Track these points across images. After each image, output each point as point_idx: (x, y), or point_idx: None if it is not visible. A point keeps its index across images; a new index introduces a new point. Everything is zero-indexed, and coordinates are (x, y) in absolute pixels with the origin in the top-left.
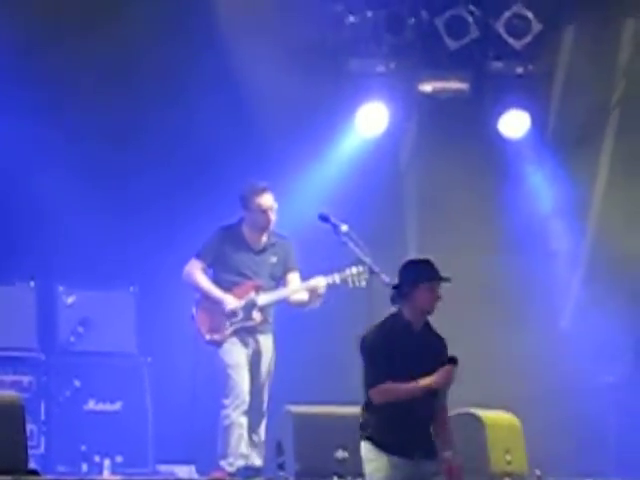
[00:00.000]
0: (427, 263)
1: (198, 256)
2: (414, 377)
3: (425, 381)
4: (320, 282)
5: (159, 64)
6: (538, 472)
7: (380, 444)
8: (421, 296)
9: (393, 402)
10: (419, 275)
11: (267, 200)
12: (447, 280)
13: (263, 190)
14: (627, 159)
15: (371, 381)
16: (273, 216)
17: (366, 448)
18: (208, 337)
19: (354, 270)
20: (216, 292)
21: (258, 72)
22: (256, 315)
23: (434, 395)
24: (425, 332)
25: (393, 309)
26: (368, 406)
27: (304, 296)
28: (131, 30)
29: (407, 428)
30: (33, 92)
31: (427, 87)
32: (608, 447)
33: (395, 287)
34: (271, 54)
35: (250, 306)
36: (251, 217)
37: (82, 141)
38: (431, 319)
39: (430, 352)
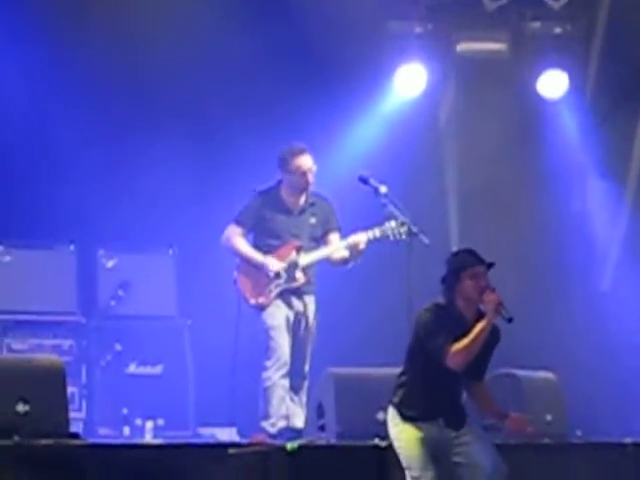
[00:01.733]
0: (467, 252)
1: (237, 221)
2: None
3: (483, 320)
4: (360, 237)
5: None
6: (579, 432)
7: (404, 414)
8: (465, 285)
9: (468, 362)
10: (460, 265)
11: (306, 161)
12: (490, 265)
13: (301, 151)
14: None
15: (441, 347)
16: (311, 178)
17: (392, 414)
18: (253, 301)
19: (393, 223)
20: (257, 256)
21: (296, 33)
22: (299, 275)
23: (472, 363)
24: (477, 321)
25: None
26: (405, 376)
27: (345, 253)
28: None
29: (437, 402)
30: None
31: (465, 48)
32: None
33: (443, 281)
34: (309, 16)
35: (293, 267)
36: (289, 179)
37: (119, 107)
38: None
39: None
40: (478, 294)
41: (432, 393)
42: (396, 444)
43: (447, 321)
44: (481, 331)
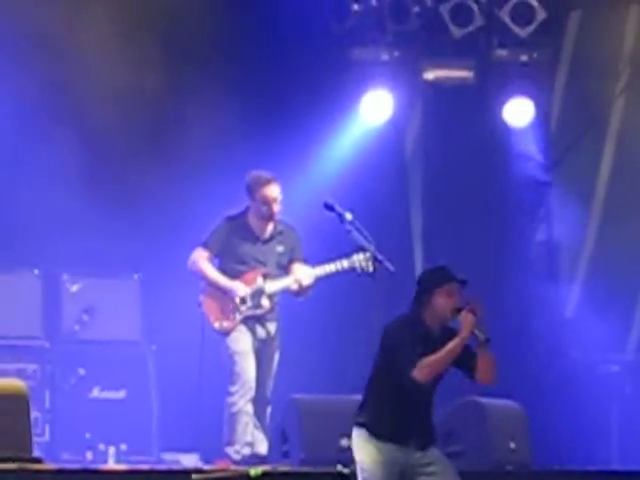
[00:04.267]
0: (441, 269)
1: (204, 245)
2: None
3: (457, 338)
4: (329, 268)
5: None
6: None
7: (373, 432)
8: (438, 302)
9: (433, 376)
10: (434, 281)
11: (272, 191)
12: (463, 282)
13: (268, 181)
14: (632, 146)
15: (406, 363)
16: (277, 207)
17: (356, 434)
18: (217, 325)
19: (361, 256)
20: (224, 280)
21: (263, 59)
22: (265, 302)
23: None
24: (443, 336)
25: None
26: (368, 393)
27: (310, 282)
28: None
29: (404, 418)
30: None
31: (431, 75)
32: (611, 436)
33: (416, 295)
34: (276, 42)
35: (259, 293)
36: (256, 207)
37: (86, 127)
38: None
39: None
40: (450, 312)
41: (399, 412)
42: (359, 466)
43: (414, 334)
44: (452, 350)
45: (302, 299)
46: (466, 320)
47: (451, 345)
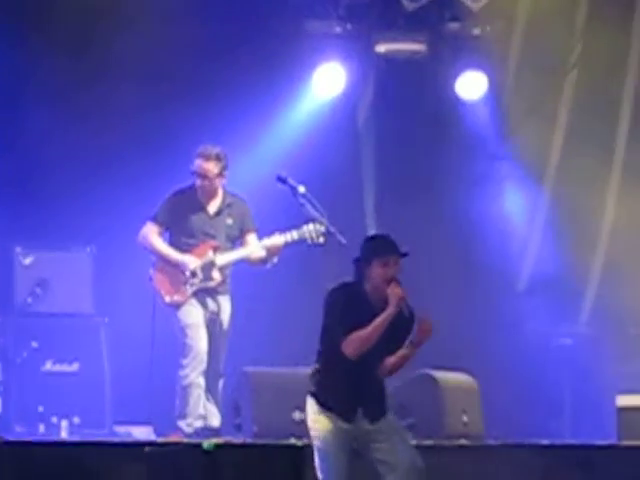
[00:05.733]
0: (383, 239)
1: (154, 219)
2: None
3: (384, 313)
4: (278, 240)
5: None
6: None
7: (321, 402)
8: (374, 272)
9: (362, 352)
10: (372, 251)
11: (196, 166)
12: (402, 255)
13: (199, 155)
14: (585, 118)
15: (338, 334)
16: (207, 183)
17: (309, 403)
18: (168, 299)
19: (311, 227)
20: (174, 254)
21: (214, 34)
22: (216, 275)
23: (389, 352)
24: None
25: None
26: (318, 362)
27: (262, 253)
28: None
29: (350, 389)
30: None
31: (384, 48)
32: (564, 409)
33: (355, 261)
34: (227, 15)
35: (209, 266)
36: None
37: (39, 99)
38: None
39: (390, 329)
40: (385, 283)
41: (347, 380)
42: (312, 434)
43: (352, 302)
44: (378, 325)
45: (269, 266)
46: (393, 293)
47: (378, 320)
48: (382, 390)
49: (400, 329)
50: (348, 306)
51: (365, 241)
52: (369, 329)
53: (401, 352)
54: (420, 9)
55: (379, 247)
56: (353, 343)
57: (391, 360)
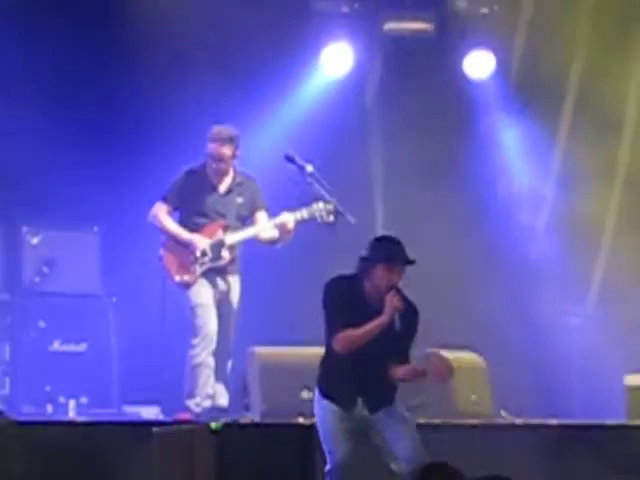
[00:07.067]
0: (392, 243)
1: (164, 199)
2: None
3: (378, 320)
4: (288, 218)
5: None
6: (504, 413)
7: (323, 391)
8: (378, 275)
9: (351, 350)
10: (380, 254)
11: (211, 148)
12: (410, 263)
13: (211, 138)
14: (593, 96)
15: (331, 330)
16: (222, 165)
17: (316, 390)
18: (178, 278)
19: (321, 205)
20: (183, 233)
21: (222, 12)
22: (225, 254)
23: (394, 345)
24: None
25: (357, 249)
26: (325, 351)
27: (274, 233)
28: None
29: (352, 378)
30: None
31: (391, 27)
32: (572, 389)
33: (361, 259)
34: None
35: (219, 245)
36: (208, 161)
37: (46, 77)
38: None
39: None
40: (386, 287)
41: (348, 370)
42: (317, 419)
43: (349, 297)
44: (370, 330)
45: (279, 246)
46: (390, 303)
47: (370, 326)
48: (386, 381)
49: (404, 322)
50: (344, 301)
51: (374, 241)
52: (360, 331)
53: (412, 369)
54: None
55: (387, 252)
56: (343, 341)
57: (400, 372)
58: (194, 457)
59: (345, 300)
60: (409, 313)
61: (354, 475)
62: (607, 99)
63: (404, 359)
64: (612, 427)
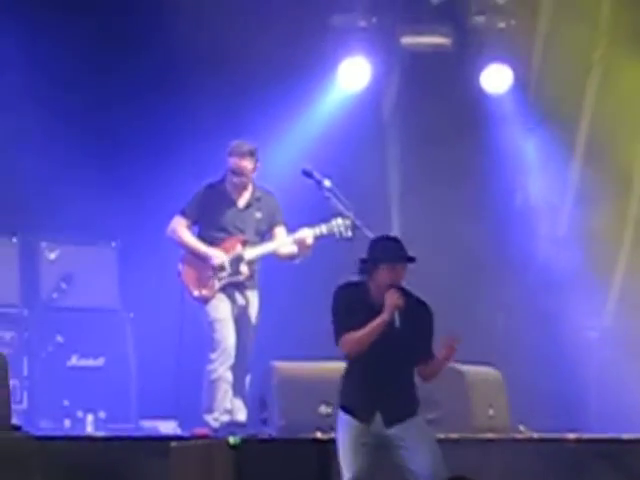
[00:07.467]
0: (392, 242)
1: (183, 213)
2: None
3: (378, 318)
4: (307, 234)
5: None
6: (522, 427)
7: (342, 403)
8: (380, 275)
9: (359, 359)
10: (380, 254)
11: (234, 162)
12: (410, 261)
13: (234, 152)
14: (608, 115)
15: (338, 335)
16: (244, 179)
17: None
18: (196, 293)
19: (340, 221)
20: (202, 248)
21: (240, 27)
22: (244, 269)
23: (410, 353)
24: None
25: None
26: (346, 365)
27: (293, 249)
28: None
29: (369, 390)
30: None
31: (409, 41)
32: (590, 402)
33: (362, 261)
34: (253, 9)
35: (238, 260)
36: (229, 175)
37: (67, 90)
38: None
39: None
40: (389, 286)
41: (365, 382)
42: (336, 435)
43: (355, 302)
44: (373, 329)
45: (298, 261)
46: (390, 299)
47: (372, 324)
48: (407, 393)
49: (418, 327)
50: (350, 306)
51: (373, 242)
52: (363, 332)
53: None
54: (445, 2)
55: (387, 251)
56: (347, 343)
57: (426, 370)
58: (212, 472)
59: (351, 305)
60: (423, 314)
61: None
62: (624, 113)
63: (429, 357)
64: (630, 441)
